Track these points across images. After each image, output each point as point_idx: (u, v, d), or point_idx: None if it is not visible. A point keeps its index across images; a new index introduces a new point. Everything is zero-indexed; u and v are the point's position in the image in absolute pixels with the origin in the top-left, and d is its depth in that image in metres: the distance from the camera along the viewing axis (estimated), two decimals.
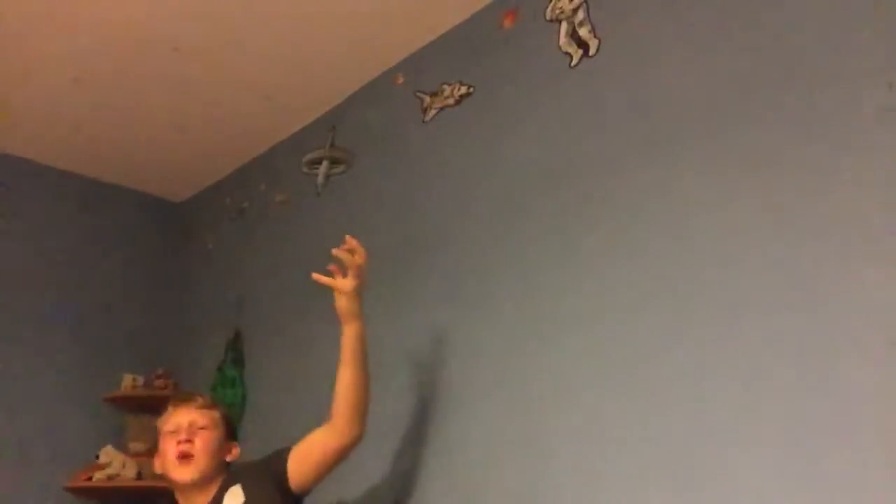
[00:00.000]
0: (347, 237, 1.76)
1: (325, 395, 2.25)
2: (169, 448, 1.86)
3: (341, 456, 1.76)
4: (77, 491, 2.68)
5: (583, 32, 1.88)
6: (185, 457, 1.83)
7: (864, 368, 1.28)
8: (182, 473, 1.83)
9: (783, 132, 1.47)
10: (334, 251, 1.75)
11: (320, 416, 2.25)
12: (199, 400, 1.95)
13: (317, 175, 2.57)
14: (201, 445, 1.85)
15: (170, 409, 1.94)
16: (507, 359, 1.85)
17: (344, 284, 1.74)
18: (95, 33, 2.28)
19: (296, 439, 1.92)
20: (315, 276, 1.75)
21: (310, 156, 2.59)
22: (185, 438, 1.84)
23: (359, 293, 1.76)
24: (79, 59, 2.40)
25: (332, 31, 2.28)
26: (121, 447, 2.74)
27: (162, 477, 1.92)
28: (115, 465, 2.65)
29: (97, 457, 2.67)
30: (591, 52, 1.86)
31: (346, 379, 1.74)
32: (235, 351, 2.72)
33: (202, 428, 1.88)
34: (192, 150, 2.90)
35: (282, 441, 2.11)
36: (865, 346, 1.29)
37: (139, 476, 2.66)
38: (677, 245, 1.59)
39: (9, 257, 2.78)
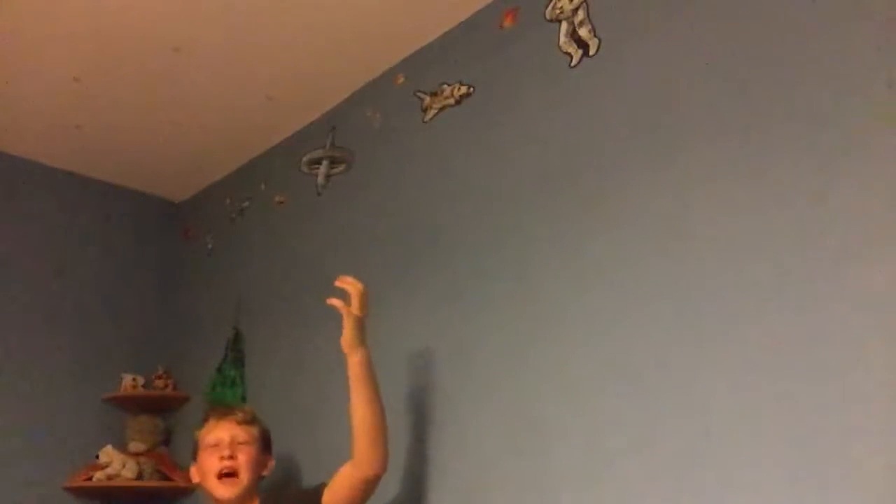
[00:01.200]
0: (339, 277, 1.79)
1: (325, 396, 2.26)
2: (211, 464, 1.88)
3: (367, 489, 1.76)
4: (77, 491, 2.67)
5: (583, 32, 1.88)
6: (228, 475, 1.86)
7: (864, 369, 1.28)
8: (224, 491, 1.86)
9: (783, 132, 1.47)
10: (337, 283, 1.79)
11: (320, 416, 2.26)
12: (240, 414, 1.97)
13: (317, 175, 2.57)
14: (244, 461, 1.88)
15: (211, 421, 1.96)
16: (508, 361, 1.84)
17: (354, 309, 1.76)
18: (95, 33, 2.28)
19: (295, 439, 1.92)
20: (329, 301, 1.76)
21: (310, 156, 2.59)
22: (227, 454, 1.87)
23: (364, 324, 1.78)
24: (79, 59, 2.39)
25: (332, 31, 2.28)
26: (121, 447, 2.74)
27: (198, 486, 1.95)
28: (114, 465, 2.65)
29: (97, 457, 2.67)
30: (591, 52, 1.86)
31: (359, 412, 1.73)
32: (235, 351, 2.72)
33: (242, 443, 1.90)
34: (192, 150, 2.90)
35: (281, 441, 2.12)
36: (865, 346, 1.29)
37: (139, 476, 2.66)
38: (677, 245, 1.59)
39: (7, 257, 2.77)
